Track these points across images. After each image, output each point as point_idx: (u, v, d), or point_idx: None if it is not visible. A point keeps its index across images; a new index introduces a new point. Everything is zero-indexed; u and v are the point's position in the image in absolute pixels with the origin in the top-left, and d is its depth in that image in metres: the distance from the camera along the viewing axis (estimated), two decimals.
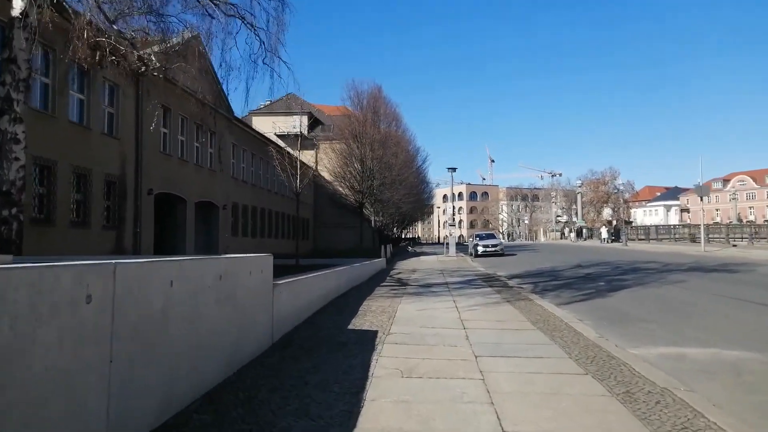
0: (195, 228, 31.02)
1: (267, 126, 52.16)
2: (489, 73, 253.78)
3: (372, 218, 41.93)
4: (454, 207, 34.22)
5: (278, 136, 54.86)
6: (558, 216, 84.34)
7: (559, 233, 75.87)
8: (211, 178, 31.37)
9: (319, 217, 56.38)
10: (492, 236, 37.52)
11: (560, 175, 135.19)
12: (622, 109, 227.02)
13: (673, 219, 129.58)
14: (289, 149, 19.87)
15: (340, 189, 39.64)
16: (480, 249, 34.73)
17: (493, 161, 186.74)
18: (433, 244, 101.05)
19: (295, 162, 21.39)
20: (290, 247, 46.82)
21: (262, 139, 39.99)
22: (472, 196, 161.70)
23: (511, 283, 16.92)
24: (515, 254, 36.81)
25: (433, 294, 13.76)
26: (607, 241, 55.55)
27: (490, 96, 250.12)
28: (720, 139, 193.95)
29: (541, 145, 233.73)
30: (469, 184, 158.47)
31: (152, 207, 24.86)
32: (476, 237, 36.52)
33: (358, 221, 46.50)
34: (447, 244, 35.09)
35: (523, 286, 16.06)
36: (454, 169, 35.26)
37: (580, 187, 72.43)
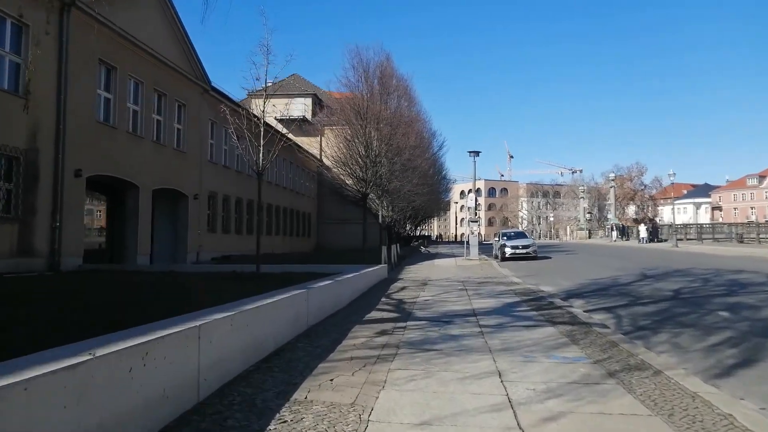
0: (155, 222, 25.01)
1: (266, 109, 46.12)
2: (505, 65, 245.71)
3: (380, 213, 35.62)
4: (476, 199, 27.84)
5: (279, 120, 48.93)
6: (589, 213, 77.29)
7: (586, 232, 68.91)
8: (178, 161, 25.31)
9: (323, 212, 50.24)
10: (522, 235, 31.07)
11: (581, 171, 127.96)
12: (645, 103, 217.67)
13: (704, 217, 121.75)
14: (256, 113, 14.38)
15: (344, 179, 33.34)
16: (508, 251, 28.33)
17: (512, 157, 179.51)
18: (449, 242, 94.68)
19: (256, 122, 15.18)
20: (288, 245, 40.71)
21: (251, 118, 33.78)
22: (491, 192, 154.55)
23: (577, 310, 10.52)
24: (549, 257, 30.33)
25: (453, 342, 7.41)
26: (646, 241, 48.75)
27: (508, 89, 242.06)
28: (753, 132, 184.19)
29: (559, 141, 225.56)
30: (487, 179, 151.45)
31: (83, 194, 18.86)
32: (503, 236, 30.11)
33: (368, 215, 40.26)
34: (468, 243, 28.68)
35: (605, 322, 9.65)
36: (477, 153, 28.95)
37: (612, 180, 65.39)
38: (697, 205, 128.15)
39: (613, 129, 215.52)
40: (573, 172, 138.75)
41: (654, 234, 50.61)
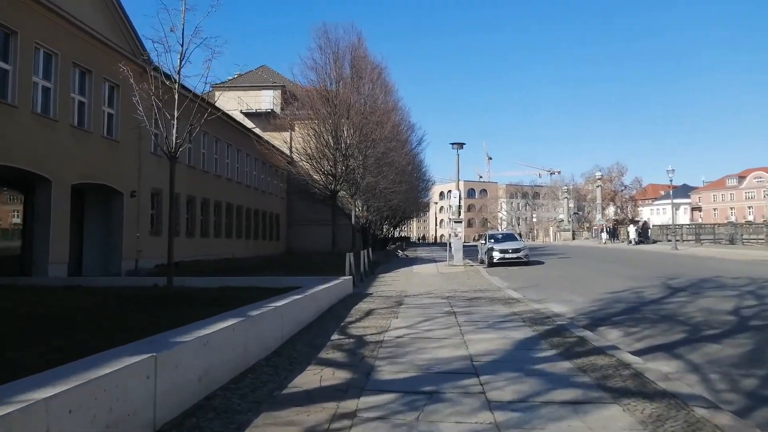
0: (84, 225, 20.88)
1: (231, 103, 41.91)
2: (485, 64, 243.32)
3: (353, 213, 31.77)
4: (460, 197, 24.01)
5: (245, 114, 44.81)
6: (576, 213, 74.18)
7: (570, 233, 65.74)
8: (108, 151, 21.15)
9: (293, 213, 46.13)
10: (511, 237, 27.35)
11: (559, 173, 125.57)
12: (622, 105, 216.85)
13: (683, 218, 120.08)
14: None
15: (312, 175, 29.35)
16: (497, 255, 24.65)
17: (490, 158, 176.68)
18: (430, 244, 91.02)
19: (170, 85, 11.19)
20: (252, 249, 36.55)
21: (205, 106, 29.61)
22: (470, 193, 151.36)
23: (629, 357, 6.70)
24: (542, 261, 26.72)
25: None
26: (635, 242, 45.58)
27: (486, 91, 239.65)
28: (731, 134, 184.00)
29: (537, 143, 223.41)
30: (466, 180, 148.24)
31: None
32: (490, 238, 26.38)
33: (340, 216, 36.34)
34: (450, 247, 24.92)
35: (687, 380, 5.91)
36: (460, 145, 25.20)
37: (599, 179, 62.24)
38: (676, 206, 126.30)
39: (591, 131, 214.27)
40: (551, 174, 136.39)
41: (644, 235, 47.49)
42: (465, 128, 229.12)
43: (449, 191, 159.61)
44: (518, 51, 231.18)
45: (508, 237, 27.17)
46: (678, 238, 43.16)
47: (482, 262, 27.40)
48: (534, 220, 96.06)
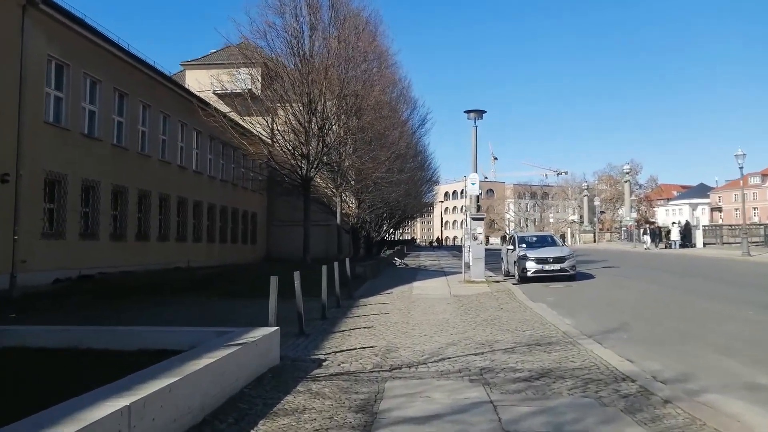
0: None
1: (205, 82, 34.54)
2: (488, 67, 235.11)
3: (338, 209, 24.52)
4: (474, 197, 17.17)
5: (219, 96, 37.41)
6: (602, 212, 66.60)
7: (591, 235, 58.21)
8: None
9: (275, 212, 38.65)
10: (549, 240, 19.70)
11: (566, 173, 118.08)
12: (631, 102, 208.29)
13: (702, 219, 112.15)
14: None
15: (285, 159, 21.92)
16: (531, 266, 17.30)
17: (496, 159, 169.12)
18: (434, 248, 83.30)
19: None
20: (220, 255, 29.23)
21: (143, 70, 22.37)
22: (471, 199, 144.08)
23: None
24: (591, 275, 19.29)
25: None
26: (677, 245, 38.10)
27: (492, 88, 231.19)
28: (752, 131, 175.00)
29: (545, 143, 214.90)
30: (465, 189, 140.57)
31: None
32: (520, 242, 18.92)
33: (324, 216, 29.03)
34: (469, 253, 17.50)
35: None
36: (479, 114, 17.67)
37: (627, 173, 54.49)
38: (693, 206, 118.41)
39: (600, 130, 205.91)
40: (558, 174, 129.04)
41: (688, 237, 39.92)
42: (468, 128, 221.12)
43: (462, 191, 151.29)
44: (522, 43, 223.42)
45: (544, 240, 19.64)
46: (714, 240, 35.75)
47: (507, 273, 20.01)
48: (551, 220, 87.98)
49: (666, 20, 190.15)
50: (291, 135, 19.46)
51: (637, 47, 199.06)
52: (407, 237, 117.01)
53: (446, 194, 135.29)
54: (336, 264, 12.06)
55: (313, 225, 34.36)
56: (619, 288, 15.88)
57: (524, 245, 18.76)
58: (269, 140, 19.83)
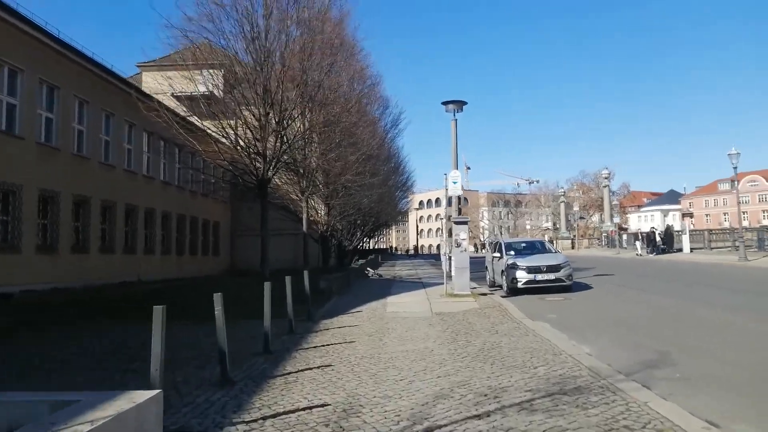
0: None
1: (163, 84, 31.59)
2: (463, 73, 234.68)
3: (304, 216, 21.93)
4: (456, 198, 15.07)
5: (177, 99, 34.51)
6: (580, 218, 65.08)
7: (569, 242, 56.52)
8: None
9: (240, 221, 35.78)
10: (539, 247, 17.26)
11: (538, 182, 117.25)
12: (596, 107, 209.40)
13: (673, 225, 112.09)
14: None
15: (240, 159, 19.18)
16: (523, 275, 14.97)
17: (468, 168, 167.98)
18: (411, 256, 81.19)
19: None
20: (177, 268, 26.37)
21: (78, 61, 19.51)
22: (450, 201, 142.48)
23: None
24: (588, 285, 17.01)
25: None
26: (658, 252, 36.38)
27: (464, 97, 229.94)
28: (719, 138, 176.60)
29: (516, 152, 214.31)
30: (446, 188, 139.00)
31: None
32: (507, 249, 16.53)
33: (293, 224, 26.41)
34: (449, 262, 15.11)
35: None
36: (459, 105, 15.34)
37: (606, 178, 52.71)
38: (665, 212, 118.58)
39: (569, 138, 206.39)
40: (530, 183, 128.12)
41: (669, 243, 38.25)
42: (443, 135, 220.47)
43: (436, 198, 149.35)
44: (491, 52, 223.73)
45: (534, 247, 17.29)
46: (700, 245, 33.96)
47: (493, 284, 17.64)
48: (528, 227, 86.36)
49: (637, 24, 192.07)
50: (245, 130, 16.86)
51: (608, 52, 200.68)
52: (383, 246, 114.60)
53: (421, 203, 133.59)
54: (288, 279, 9.47)
55: (279, 234, 31.83)
56: (627, 301, 13.60)
57: (512, 252, 16.36)
58: (219, 135, 17.22)
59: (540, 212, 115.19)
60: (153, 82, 30.21)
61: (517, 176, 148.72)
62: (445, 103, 15.78)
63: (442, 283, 16.36)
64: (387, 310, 11.98)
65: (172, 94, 31.64)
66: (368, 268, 23.73)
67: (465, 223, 15.06)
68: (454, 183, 14.35)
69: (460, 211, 15.98)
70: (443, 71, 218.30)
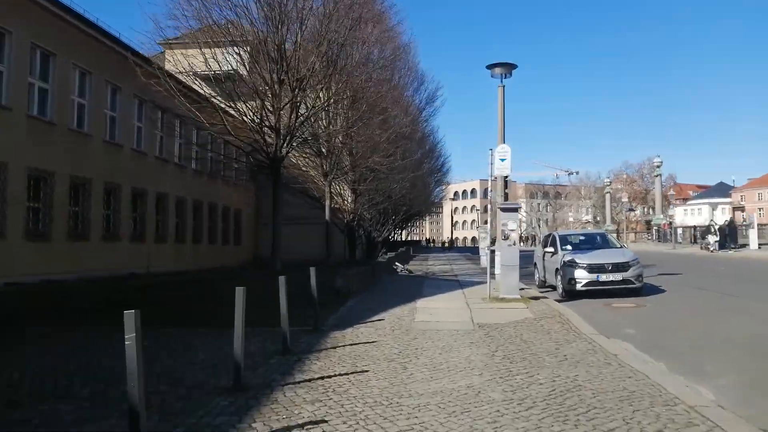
0: None
1: (186, 64, 29.56)
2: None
3: (327, 202, 19.60)
4: (502, 178, 12.57)
5: (200, 78, 32.53)
6: (629, 210, 61.14)
7: (614, 235, 52.64)
8: None
9: (264, 209, 33.68)
10: (599, 241, 14.35)
11: (577, 173, 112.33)
12: (642, 100, 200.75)
13: (722, 219, 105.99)
14: None
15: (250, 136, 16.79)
16: (582, 275, 12.26)
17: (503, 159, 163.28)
18: (445, 249, 78.61)
19: None
20: (192, 258, 24.37)
21: (83, 28, 17.42)
22: (486, 193, 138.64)
23: None
24: (660, 288, 14.09)
25: None
26: (715, 248, 32.75)
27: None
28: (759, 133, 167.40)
29: (556, 142, 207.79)
30: (482, 179, 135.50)
31: None
32: (563, 242, 13.77)
33: (319, 213, 24.04)
34: (495, 258, 12.42)
35: None
36: (508, 68, 12.62)
37: (658, 167, 48.47)
38: (713, 206, 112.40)
39: (610, 129, 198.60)
40: (569, 174, 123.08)
41: (732, 238, 34.58)
42: (481, 125, 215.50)
43: (471, 189, 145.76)
44: (533, 42, 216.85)
45: (593, 240, 14.46)
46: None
47: (543, 284, 14.92)
48: (570, 219, 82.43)
49: (676, 16, 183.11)
50: (256, 99, 14.56)
51: (647, 44, 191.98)
52: (416, 238, 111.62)
53: (456, 194, 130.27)
54: (283, 279, 7.04)
55: (304, 223, 29.57)
56: (722, 309, 10.70)
57: (569, 247, 13.60)
58: (226, 106, 14.95)
59: (580, 204, 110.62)
60: (178, 61, 28.29)
61: (556, 167, 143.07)
62: (490, 67, 13.06)
63: (482, 282, 13.74)
64: (416, 319, 9.42)
65: (194, 73, 29.14)
66: (396, 263, 21.17)
67: (515, 210, 12.30)
68: (502, 160, 11.60)
69: (506, 197, 13.24)
70: (482, 56, 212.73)
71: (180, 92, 15.67)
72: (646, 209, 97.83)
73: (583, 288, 12.30)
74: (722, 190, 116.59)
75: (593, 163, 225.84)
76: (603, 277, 12.25)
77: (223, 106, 15.30)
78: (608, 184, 56.50)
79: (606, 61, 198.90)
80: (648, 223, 78.54)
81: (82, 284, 15.54)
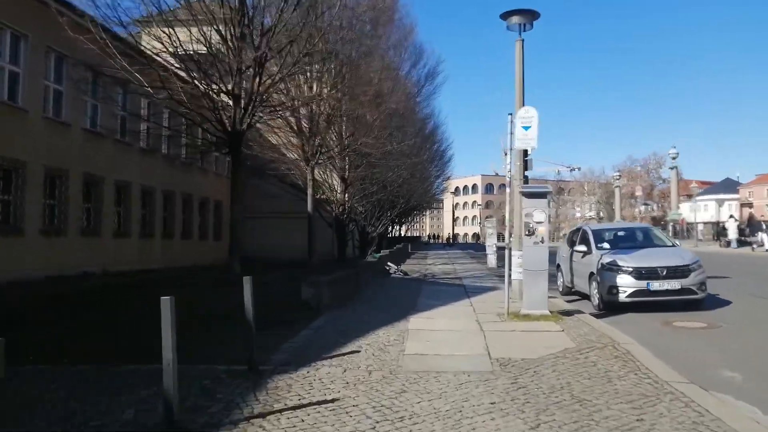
0: None
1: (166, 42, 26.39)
2: (503, 59, 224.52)
3: (308, 190, 16.65)
4: (521, 152, 9.89)
5: (177, 57, 29.43)
6: (644, 204, 58.12)
7: None
8: None
9: (249, 201, 30.61)
10: (638, 237, 11.58)
11: (579, 169, 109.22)
12: (644, 94, 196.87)
13: (726, 216, 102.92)
14: None
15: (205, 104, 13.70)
16: (628, 283, 9.28)
17: (506, 154, 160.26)
18: (445, 245, 75.90)
19: None
20: (157, 255, 21.44)
21: None
22: (488, 188, 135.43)
23: None
24: (726, 300, 11.13)
25: None
26: (735, 244, 29.84)
27: (506, 84, 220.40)
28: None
29: (556, 138, 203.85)
30: (484, 174, 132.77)
31: None
32: (596, 238, 10.85)
33: (303, 205, 21.00)
34: (510, 260, 9.38)
35: None
36: (530, 18, 9.75)
37: (674, 158, 45.37)
38: (720, 202, 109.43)
39: (612, 124, 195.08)
40: (571, 170, 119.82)
41: (753, 233, 31.62)
42: (485, 120, 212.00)
43: (473, 184, 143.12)
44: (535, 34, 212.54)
45: (635, 237, 11.38)
46: None
47: (569, 291, 11.94)
48: (577, 215, 79.33)
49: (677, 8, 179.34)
50: (211, 61, 11.64)
51: (647, 36, 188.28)
52: (416, 233, 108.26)
53: (456, 189, 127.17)
54: (169, 300, 4.05)
55: (290, 217, 26.62)
56: None
57: (606, 246, 10.59)
58: (173, 65, 12.05)
59: (584, 200, 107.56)
60: (155, 41, 25.11)
61: (557, 163, 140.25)
62: (506, 15, 10.07)
63: (493, 289, 10.82)
64: (406, 351, 6.37)
65: (175, 53, 25.62)
66: (389, 263, 18.11)
67: (543, 196, 9.24)
68: (526, 128, 8.53)
69: (526, 179, 10.23)
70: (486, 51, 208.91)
71: (119, 51, 12.57)
72: (651, 205, 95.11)
73: (628, 299, 9.33)
74: (729, 186, 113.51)
75: (595, 158, 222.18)
76: (655, 285, 9.27)
77: (170, 67, 12.28)
78: (617, 178, 53.44)
79: (603, 54, 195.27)
80: (654, 219, 75.56)
81: (48, 282, 12.86)
